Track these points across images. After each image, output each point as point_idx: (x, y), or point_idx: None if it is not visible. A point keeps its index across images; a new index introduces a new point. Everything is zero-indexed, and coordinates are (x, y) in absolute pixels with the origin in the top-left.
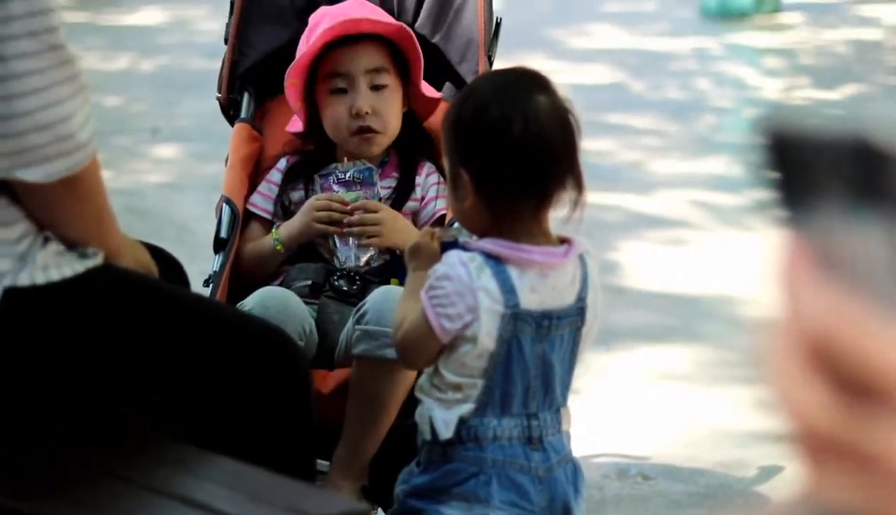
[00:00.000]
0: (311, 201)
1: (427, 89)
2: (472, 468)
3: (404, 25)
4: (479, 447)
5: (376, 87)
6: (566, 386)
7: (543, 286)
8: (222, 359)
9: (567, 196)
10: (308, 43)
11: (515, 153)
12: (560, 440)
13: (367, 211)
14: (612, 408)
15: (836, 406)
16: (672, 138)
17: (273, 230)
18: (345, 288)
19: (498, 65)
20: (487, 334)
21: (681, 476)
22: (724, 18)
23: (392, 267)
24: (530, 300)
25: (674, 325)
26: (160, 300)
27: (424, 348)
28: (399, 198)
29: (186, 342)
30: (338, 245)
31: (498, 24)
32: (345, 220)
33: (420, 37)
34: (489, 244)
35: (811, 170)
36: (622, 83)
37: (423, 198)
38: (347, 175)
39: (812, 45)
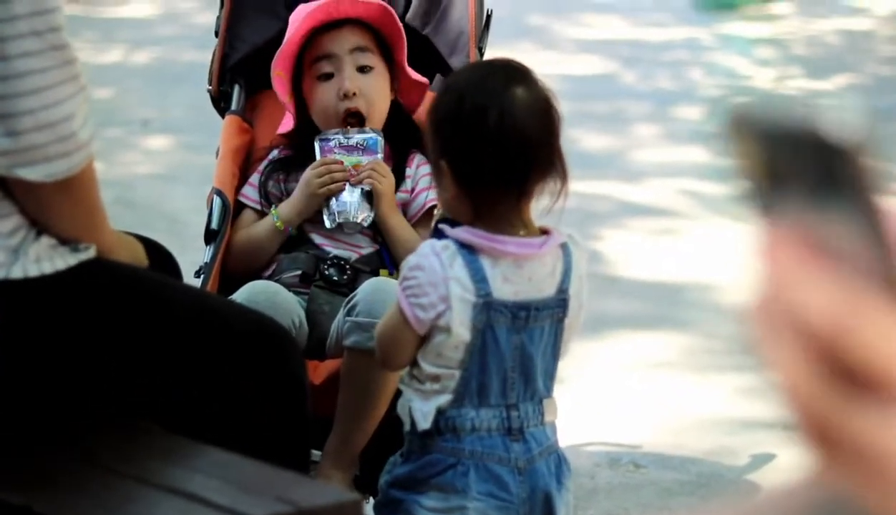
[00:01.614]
0: (308, 172)
1: (412, 73)
2: (449, 459)
3: (386, 6)
4: (457, 438)
5: (362, 69)
6: (550, 376)
7: (518, 276)
8: (217, 350)
9: (551, 186)
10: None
11: (491, 145)
12: (543, 431)
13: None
14: (603, 397)
15: (833, 395)
16: (662, 128)
17: (272, 209)
18: (335, 278)
19: (489, 56)
20: (461, 323)
21: (672, 465)
22: (716, 9)
23: (382, 258)
24: (504, 290)
25: (663, 314)
26: (153, 292)
27: (402, 340)
28: None
29: (180, 334)
30: (337, 199)
31: (489, 16)
32: (356, 168)
33: (411, 29)
34: (463, 233)
35: (774, 165)
36: (614, 73)
37: (413, 189)
38: (351, 141)
39: (803, 35)
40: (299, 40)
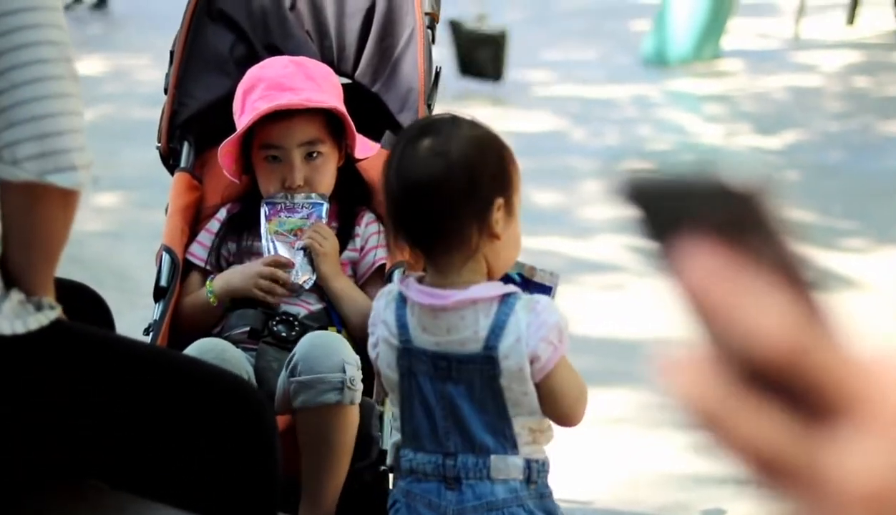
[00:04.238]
0: (257, 267)
1: (363, 151)
2: (396, 495)
3: (335, 107)
4: (402, 477)
5: (310, 155)
6: (499, 433)
7: (435, 327)
8: (185, 410)
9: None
10: (240, 110)
11: (396, 207)
12: (489, 486)
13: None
14: (555, 452)
15: (786, 427)
16: (611, 184)
17: (208, 282)
18: (283, 334)
19: (439, 111)
20: (388, 365)
21: None
22: (664, 65)
23: (330, 315)
24: (423, 339)
25: (615, 369)
26: (119, 353)
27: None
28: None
29: (146, 394)
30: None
31: (438, 73)
32: (299, 231)
33: (360, 86)
34: (398, 281)
35: (676, 216)
36: (563, 130)
37: (362, 248)
38: (297, 204)
39: (752, 91)
40: (246, 131)
